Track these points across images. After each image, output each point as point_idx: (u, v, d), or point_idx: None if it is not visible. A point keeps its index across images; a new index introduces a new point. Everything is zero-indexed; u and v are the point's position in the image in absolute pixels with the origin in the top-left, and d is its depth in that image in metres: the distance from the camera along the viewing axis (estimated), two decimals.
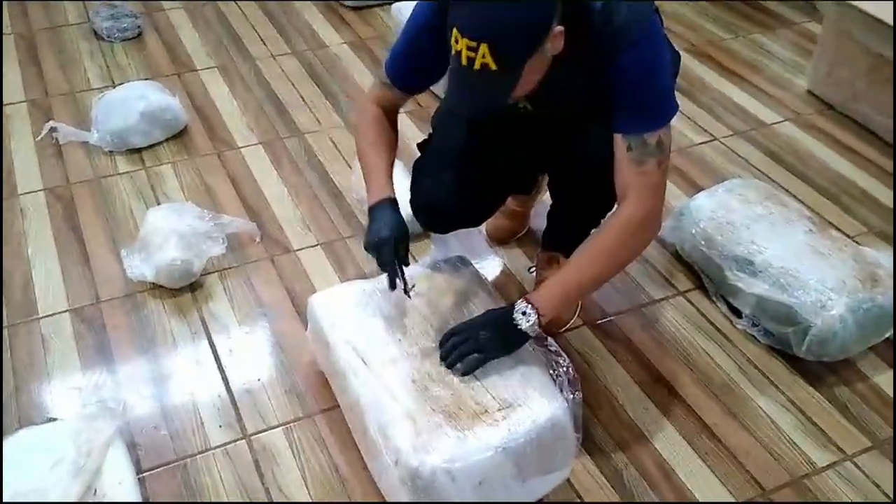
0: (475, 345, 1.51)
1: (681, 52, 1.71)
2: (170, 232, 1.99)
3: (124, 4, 3.13)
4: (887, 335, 1.85)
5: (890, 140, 2.58)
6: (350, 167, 2.41)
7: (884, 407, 1.77)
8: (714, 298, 2.01)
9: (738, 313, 1.96)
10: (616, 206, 1.54)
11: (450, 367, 1.51)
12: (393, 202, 1.60)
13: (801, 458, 1.67)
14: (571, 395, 1.53)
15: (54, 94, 2.73)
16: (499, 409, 1.47)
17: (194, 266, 1.97)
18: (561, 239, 1.90)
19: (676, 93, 1.53)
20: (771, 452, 1.67)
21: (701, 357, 1.88)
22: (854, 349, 1.82)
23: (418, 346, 1.58)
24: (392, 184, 1.64)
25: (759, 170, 2.47)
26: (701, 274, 2.05)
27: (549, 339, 1.62)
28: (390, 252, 1.57)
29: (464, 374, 1.50)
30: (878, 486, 1.62)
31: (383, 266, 1.59)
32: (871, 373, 1.85)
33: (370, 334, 1.61)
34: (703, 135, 2.63)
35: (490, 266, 2.11)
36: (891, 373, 1.84)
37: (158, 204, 2.25)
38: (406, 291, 1.60)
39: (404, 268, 1.60)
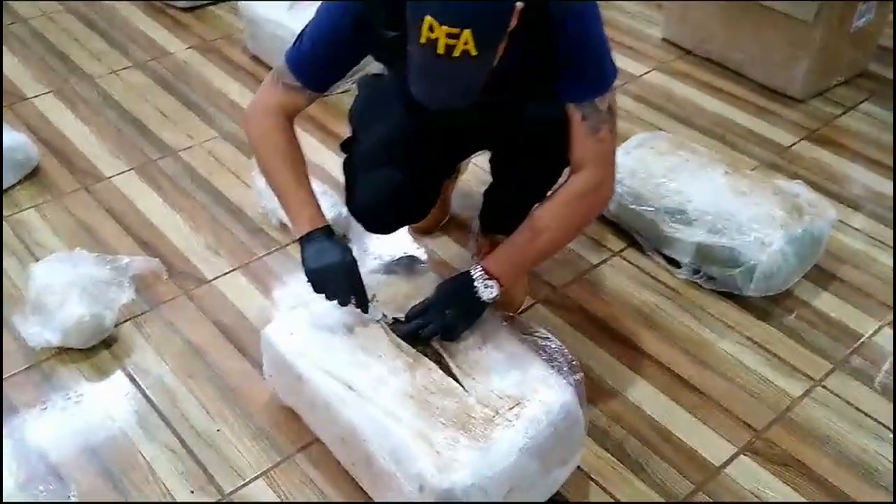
0: (442, 324, 1.48)
1: None
2: (67, 285, 1.74)
3: None
4: (816, 260, 1.95)
5: (752, 75, 2.71)
6: (240, 179, 2.22)
7: (831, 328, 1.86)
8: (649, 253, 2.03)
9: (675, 264, 1.98)
10: (569, 175, 1.51)
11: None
12: (328, 230, 1.49)
13: (778, 392, 1.72)
14: (574, 377, 1.48)
15: None
16: (510, 409, 1.40)
17: (106, 319, 1.73)
18: (504, 218, 1.83)
19: None
20: (750, 392, 1.71)
21: (655, 312, 1.89)
22: (794, 279, 1.90)
23: (401, 359, 1.47)
24: (319, 207, 1.51)
25: (647, 122, 2.52)
26: (632, 231, 2.06)
27: (538, 326, 1.57)
28: (346, 281, 1.46)
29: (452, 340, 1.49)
30: (850, 404, 1.70)
31: (336, 297, 1.47)
32: (809, 298, 1.93)
33: (346, 357, 1.48)
34: None
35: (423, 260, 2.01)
36: (826, 294, 1.94)
37: (34, 256, 1.96)
38: (365, 309, 1.51)
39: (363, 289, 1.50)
